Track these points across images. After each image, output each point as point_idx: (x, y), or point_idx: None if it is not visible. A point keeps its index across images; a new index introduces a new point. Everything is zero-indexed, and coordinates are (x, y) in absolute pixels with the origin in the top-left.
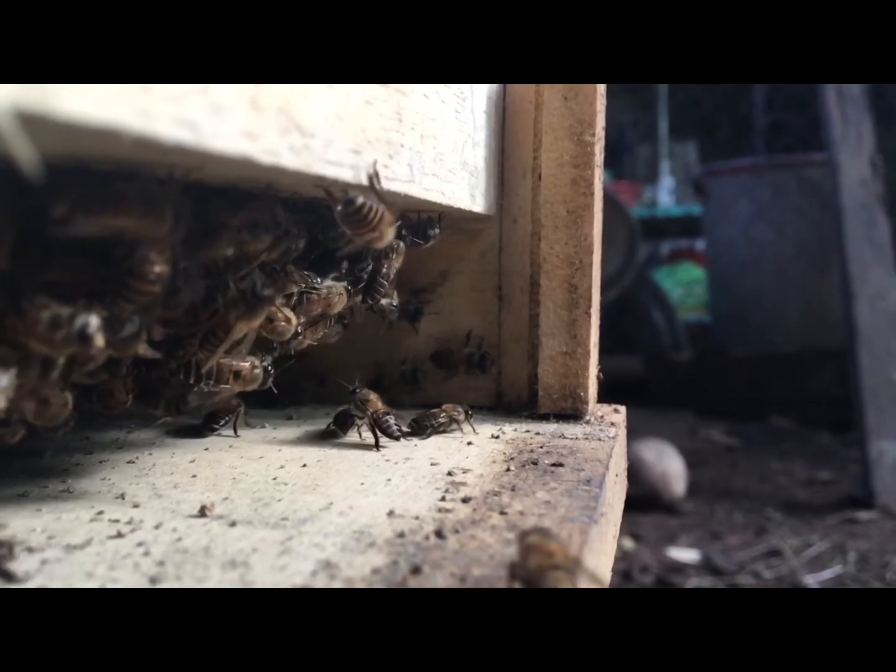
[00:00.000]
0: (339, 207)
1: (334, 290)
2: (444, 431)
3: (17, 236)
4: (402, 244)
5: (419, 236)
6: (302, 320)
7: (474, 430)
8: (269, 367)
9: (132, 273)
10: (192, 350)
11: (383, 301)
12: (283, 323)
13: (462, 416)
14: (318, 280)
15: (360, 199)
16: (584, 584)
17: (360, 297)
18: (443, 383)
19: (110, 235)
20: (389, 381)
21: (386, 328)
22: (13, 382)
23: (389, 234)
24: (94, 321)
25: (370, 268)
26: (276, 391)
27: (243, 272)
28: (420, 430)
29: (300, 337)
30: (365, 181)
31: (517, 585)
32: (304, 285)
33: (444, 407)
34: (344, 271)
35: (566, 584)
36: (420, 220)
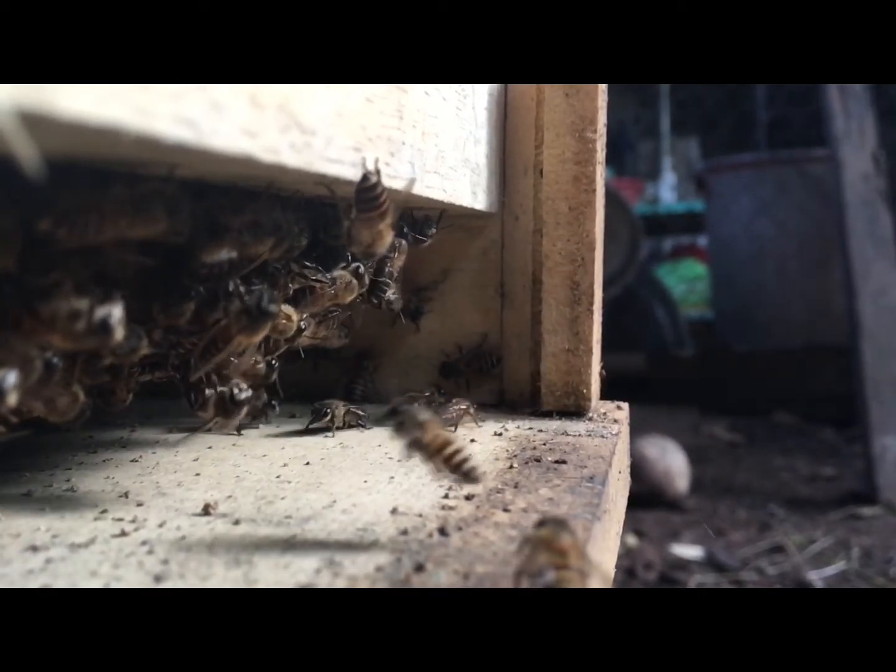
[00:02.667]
0: (356, 182)
1: (341, 281)
2: (456, 424)
3: (25, 239)
4: (403, 242)
5: (418, 235)
6: (304, 316)
7: (478, 423)
8: (273, 362)
9: None
10: (194, 351)
11: (388, 293)
12: (283, 321)
13: (472, 409)
14: (324, 274)
15: (377, 177)
16: (594, 583)
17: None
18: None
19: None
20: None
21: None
22: (19, 380)
23: (388, 237)
24: (116, 312)
25: (373, 267)
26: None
27: (244, 271)
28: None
29: (305, 332)
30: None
31: (524, 580)
32: (307, 279)
33: (454, 400)
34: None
35: (575, 584)
36: (416, 219)
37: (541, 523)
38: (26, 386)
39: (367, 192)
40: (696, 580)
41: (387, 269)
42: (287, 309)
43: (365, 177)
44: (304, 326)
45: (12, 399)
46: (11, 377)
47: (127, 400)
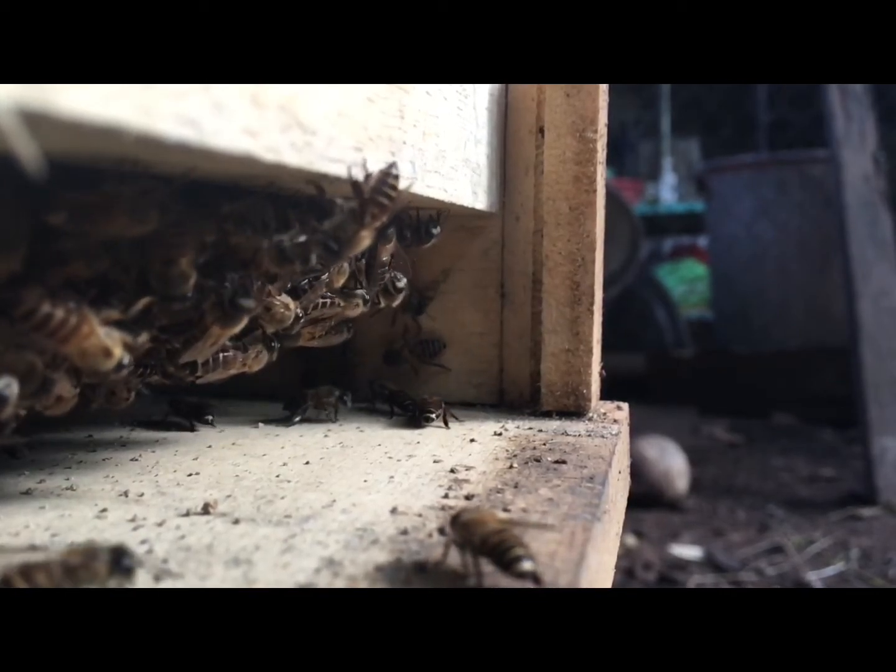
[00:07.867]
0: (381, 169)
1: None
2: (446, 420)
3: (32, 240)
4: (389, 232)
5: (419, 236)
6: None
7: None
8: (274, 343)
9: None
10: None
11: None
12: (281, 310)
13: (443, 406)
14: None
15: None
16: (519, 530)
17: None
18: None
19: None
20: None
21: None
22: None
23: (366, 242)
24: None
25: (366, 257)
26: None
27: (254, 277)
28: (425, 419)
29: (302, 321)
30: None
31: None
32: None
33: (428, 397)
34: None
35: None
36: (419, 220)
37: (457, 517)
38: (25, 394)
39: (388, 183)
40: (695, 581)
41: (381, 259)
42: (284, 298)
43: (394, 164)
44: (300, 314)
45: (10, 410)
46: (14, 387)
47: (129, 398)
